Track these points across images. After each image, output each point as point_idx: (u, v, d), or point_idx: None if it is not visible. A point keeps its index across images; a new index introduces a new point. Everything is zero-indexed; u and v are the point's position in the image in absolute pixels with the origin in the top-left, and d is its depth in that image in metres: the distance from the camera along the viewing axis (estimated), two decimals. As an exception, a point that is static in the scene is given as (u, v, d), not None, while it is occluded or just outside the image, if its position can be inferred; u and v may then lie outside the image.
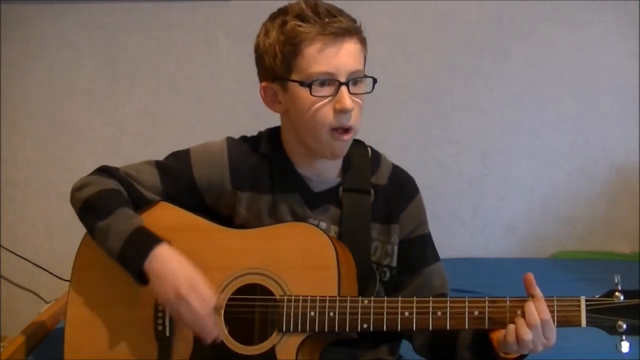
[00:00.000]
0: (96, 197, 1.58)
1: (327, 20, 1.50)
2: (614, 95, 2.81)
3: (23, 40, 2.90)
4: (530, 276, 1.43)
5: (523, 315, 1.40)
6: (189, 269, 1.50)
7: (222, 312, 1.53)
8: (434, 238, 1.73)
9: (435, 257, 1.71)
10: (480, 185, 2.90)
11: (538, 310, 1.39)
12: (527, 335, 1.38)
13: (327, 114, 1.51)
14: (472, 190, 2.91)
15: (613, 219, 2.88)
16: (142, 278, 1.51)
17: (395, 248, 1.66)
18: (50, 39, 2.90)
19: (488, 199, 2.91)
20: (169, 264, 1.50)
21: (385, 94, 2.82)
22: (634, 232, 2.82)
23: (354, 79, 1.52)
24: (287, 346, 1.48)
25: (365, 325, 1.46)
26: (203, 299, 1.48)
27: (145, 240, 1.52)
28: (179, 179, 1.65)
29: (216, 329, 1.50)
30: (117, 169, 1.66)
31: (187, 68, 2.91)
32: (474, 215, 2.92)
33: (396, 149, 2.75)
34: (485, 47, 2.82)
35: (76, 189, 1.63)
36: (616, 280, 1.39)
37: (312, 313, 1.47)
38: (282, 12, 1.55)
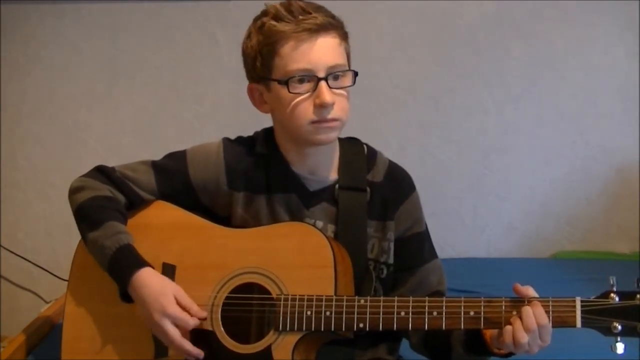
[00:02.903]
0: (89, 204, 1.60)
1: (300, 17, 1.52)
2: (614, 95, 2.80)
3: (23, 40, 2.91)
4: (518, 286, 1.43)
5: (520, 317, 1.40)
6: (163, 294, 1.50)
7: (219, 310, 1.54)
8: (434, 238, 1.73)
9: (433, 255, 1.71)
10: (480, 185, 2.90)
11: (536, 315, 1.39)
12: (524, 338, 1.39)
13: (307, 109, 1.53)
14: (472, 190, 2.91)
15: (613, 219, 2.87)
16: (126, 298, 1.54)
17: (392, 245, 1.66)
18: (50, 39, 2.90)
19: (488, 199, 2.91)
20: (142, 291, 1.51)
21: (385, 94, 2.84)
22: (634, 232, 2.82)
23: (334, 74, 1.53)
24: (283, 345, 1.48)
25: (361, 325, 1.46)
26: (177, 322, 1.50)
27: (126, 264, 1.53)
28: (174, 179, 1.66)
29: (195, 350, 1.51)
30: (113, 169, 1.67)
31: (187, 68, 2.91)
32: (474, 215, 2.92)
33: (396, 149, 2.76)
34: (485, 47, 2.82)
35: (72, 191, 1.65)
36: (611, 282, 1.39)
37: (309, 312, 1.47)
38: (262, 14, 1.58)
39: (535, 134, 2.85)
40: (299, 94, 1.52)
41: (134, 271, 1.52)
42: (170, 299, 1.50)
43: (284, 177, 1.64)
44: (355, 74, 1.56)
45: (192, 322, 1.51)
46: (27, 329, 2.07)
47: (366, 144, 1.72)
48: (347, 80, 1.56)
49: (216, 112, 2.92)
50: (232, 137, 1.72)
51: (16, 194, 3.01)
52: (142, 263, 1.53)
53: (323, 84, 1.51)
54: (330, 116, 1.53)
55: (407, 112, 2.88)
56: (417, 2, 2.80)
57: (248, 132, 1.74)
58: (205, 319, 1.53)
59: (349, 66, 1.58)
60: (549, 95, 2.83)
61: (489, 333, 1.46)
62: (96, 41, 2.90)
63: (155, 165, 1.67)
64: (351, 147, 1.68)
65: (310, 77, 1.52)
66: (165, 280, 1.54)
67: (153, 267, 1.54)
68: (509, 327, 1.40)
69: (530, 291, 1.43)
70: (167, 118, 2.94)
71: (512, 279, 1.48)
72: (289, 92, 1.52)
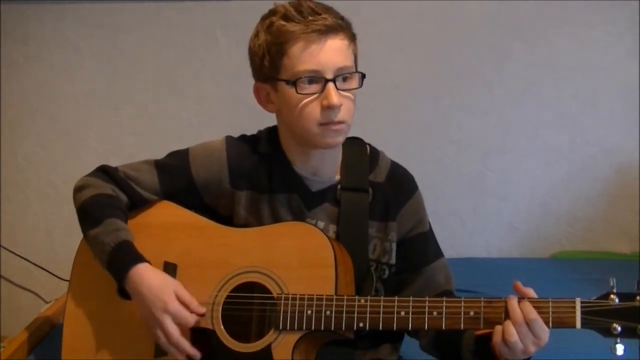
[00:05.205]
0: (90, 202, 1.60)
1: (310, 18, 1.51)
2: (614, 95, 2.80)
3: (23, 40, 2.91)
4: (518, 284, 1.43)
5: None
6: (164, 290, 1.50)
7: (220, 309, 1.54)
8: (433, 238, 1.73)
9: (438, 254, 1.71)
10: (480, 185, 2.90)
11: (522, 309, 1.39)
12: (512, 336, 1.38)
13: (315, 111, 1.52)
14: (472, 190, 2.90)
15: (613, 219, 2.87)
16: (124, 294, 1.54)
17: (394, 246, 1.66)
18: (50, 39, 2.90)
19: (488, 199, 2.91)
20: (141, 287, 1.51)
21: (385, 94, 2.83)
22: (634, 232, 2.82)
23: (342, 75, 1.53)
24: (283, 344, 1.48)
25: (361, 324, 1.46)
26: (178, 319, 1.49)
27: (124, 259, 1.53)
28: (177, 177, 1.66)
29: (192, 350, 1.51)
30: (116, 169, 1.68)
31: (187, 68, 2.91)
32: (474, 215, 2.92)
33: (396, 149, 2.75)
34: (485, 47, 2.81)
35: (76, 190, 1.66)
36: (611, 283, 1.38)
37: (309, 311, 1.47)
38: (271, 13, 1.58)
39: (535, 134, 2.85)
40: (307, 94, 1.52)
41: (132, 266, 1.51)
42: (171, 296, 1.50)
43: (286, 177, 1.64)
44: (363, 76, 1.56)
45: (192, 320, 1.51)
46: (27, 329, 2.07)
47: (369, 144, 1.72)
48: (355, 82, 1.56)
49: (216, 112, 2.92)
50: (232, 135, 1.72)
51: (16, 194, 3.01)
52: (140, 258, 1.53)
53: (331, 85, 1.51)
54: (337, 119, 1.53)
55: (407, 112, 2.88)
56: (417, 2, 2.79)
57: (248, 131, 1.74)
58: (203, 315, 1.53)
59: (356, 68, 1.58)
60: (549, 95, 2.82)
61: (496, 344, 1.44)
62: (96, 41, 2.90)
63: (158, 164, 1.68)
64: (354, 147, 1.68)
65: (319, 79, 1.52)
66: (165, 276, 1.54)
67: (151, 264, 1.54)
68: (498, 327, 1.40)
69: (530, 292, 1.42)
70: (167, 118, 2.94)
71: (512, 279, 1.48)
72: (297, 92, 1.52)
